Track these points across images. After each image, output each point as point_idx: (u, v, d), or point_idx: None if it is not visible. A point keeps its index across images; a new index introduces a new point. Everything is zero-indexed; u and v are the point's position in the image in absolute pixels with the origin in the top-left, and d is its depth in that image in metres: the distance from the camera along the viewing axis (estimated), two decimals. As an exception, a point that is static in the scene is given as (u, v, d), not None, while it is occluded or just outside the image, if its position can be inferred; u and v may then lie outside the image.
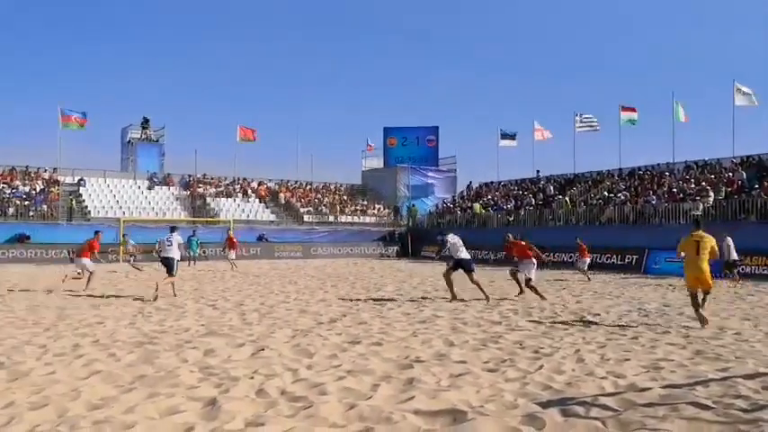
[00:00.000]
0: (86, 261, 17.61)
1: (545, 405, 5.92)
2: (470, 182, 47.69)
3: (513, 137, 44.94)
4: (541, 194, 37.49)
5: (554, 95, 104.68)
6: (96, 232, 18.89)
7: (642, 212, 29.53)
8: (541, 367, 7.53)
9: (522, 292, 15.66)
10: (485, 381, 6.89)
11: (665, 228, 26.72)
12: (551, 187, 37.81)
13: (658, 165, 34.73)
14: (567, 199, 34.47)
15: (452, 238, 15.03)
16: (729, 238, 19.74)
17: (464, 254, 14.89)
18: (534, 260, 15.52)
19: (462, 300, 14.64)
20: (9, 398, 6.05)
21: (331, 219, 42.14)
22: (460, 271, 14.78)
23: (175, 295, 15.34)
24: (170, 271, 15.45)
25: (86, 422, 5.32)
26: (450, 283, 15.01)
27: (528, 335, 9.96)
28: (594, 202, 32.97)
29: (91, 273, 17.35)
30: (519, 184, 42.04)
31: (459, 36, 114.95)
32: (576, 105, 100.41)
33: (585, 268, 22.21)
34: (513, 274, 16.06)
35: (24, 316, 11.80)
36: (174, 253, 15.58)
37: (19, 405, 5.81)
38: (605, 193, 33.15)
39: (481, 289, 14.51)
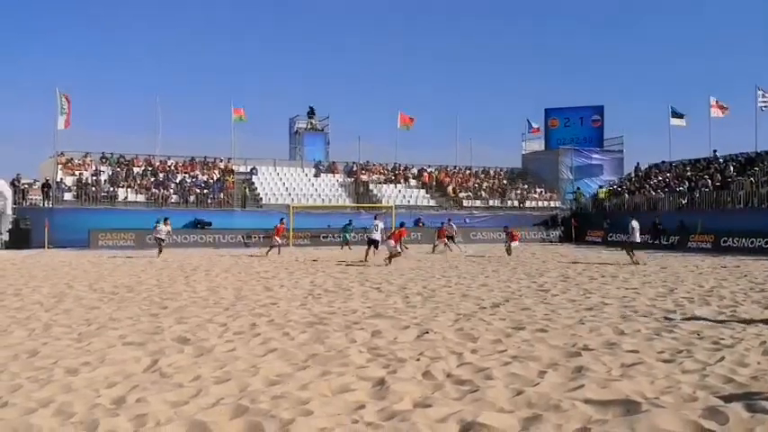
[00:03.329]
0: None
1: (728, 399, 5.54)
2: (638, 163, 45.33)
3: (681, 116, 42.26)
4: (719, 176, 34.81)
5: (729, 70, 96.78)
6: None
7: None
8: (722, 359, 7.03)
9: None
10: (659, 372, 6.54)
11: None
12: (731, 167, 34.98)
13: None
14: (751, 179, 31.75)
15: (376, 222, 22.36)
16: (635, 221, 22.08)
17: (375, 236, 21.66)
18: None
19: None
20: (196, 372, 6.56)
21: (491, 203, 41.77)
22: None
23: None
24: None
25: (265, 396, 5.66)
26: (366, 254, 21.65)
27: (705, 324, 9.34)
28: (780, 182, 30.13)
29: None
30: (693, 165, 39.33)
31: (625, 9, 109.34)
32: (754, 80, 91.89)
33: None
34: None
35: (206, 296, 12.74)
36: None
37: (205, 379, 6.29)
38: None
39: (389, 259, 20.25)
